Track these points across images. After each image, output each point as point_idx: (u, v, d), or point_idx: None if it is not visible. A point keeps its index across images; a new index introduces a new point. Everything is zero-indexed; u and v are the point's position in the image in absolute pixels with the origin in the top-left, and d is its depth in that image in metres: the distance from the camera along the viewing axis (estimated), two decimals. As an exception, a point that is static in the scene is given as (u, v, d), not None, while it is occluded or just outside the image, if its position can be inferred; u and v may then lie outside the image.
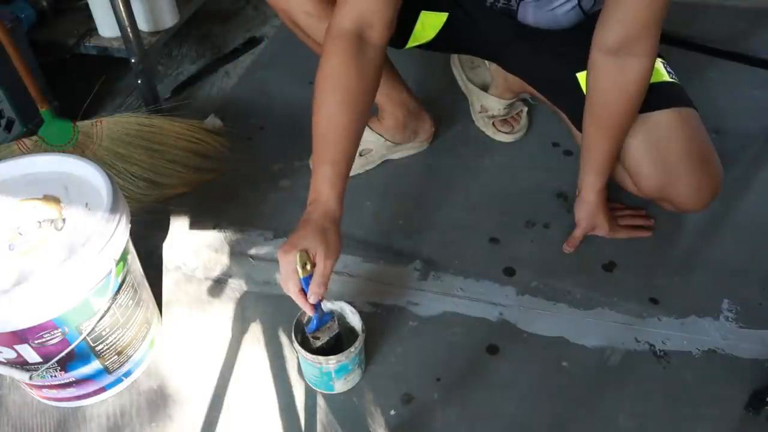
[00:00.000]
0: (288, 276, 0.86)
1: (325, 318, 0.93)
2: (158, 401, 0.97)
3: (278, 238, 1.21)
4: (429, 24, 1.14)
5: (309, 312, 0.89)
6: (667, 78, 1.07)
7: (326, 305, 0.97)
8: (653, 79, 1.01)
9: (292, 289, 0.87)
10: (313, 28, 1.10)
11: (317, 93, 0.91)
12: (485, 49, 1.24)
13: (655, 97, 1.02)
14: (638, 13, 0.90)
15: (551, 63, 1.14)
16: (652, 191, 1.09)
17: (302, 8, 1.07)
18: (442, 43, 1.18)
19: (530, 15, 1.08)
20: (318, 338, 0.92)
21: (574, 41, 1.07)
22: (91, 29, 1.49)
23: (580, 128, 1.15)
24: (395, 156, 1.38)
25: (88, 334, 0.85)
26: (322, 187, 0.89)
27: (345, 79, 0.90)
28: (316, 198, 0.89)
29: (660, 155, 1.05)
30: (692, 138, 1.04)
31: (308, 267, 0.85)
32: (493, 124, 1.42)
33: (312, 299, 0.87)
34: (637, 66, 0.96)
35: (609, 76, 0.98)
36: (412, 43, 1.17)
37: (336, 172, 0.89)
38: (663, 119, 1.04)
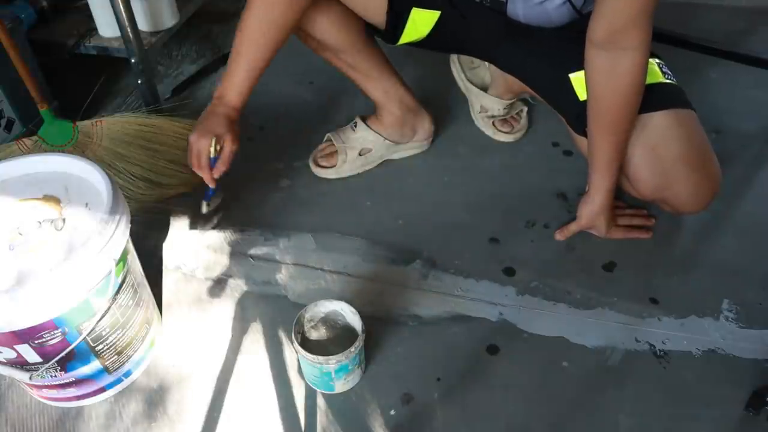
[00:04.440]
0: (200, 155, 1.07)
1: (215, 190, 1.14)
2: (158, 401, 0.97)
3: (278, 238, 1.21)
4: (421, 21, 1.13)
5: (212, 184, 1.11)
6: (662, 79, 1.06)
7: (326, 305, 0.98)
8: (649, 80, 1.00)
9: (203, 165, 1.08)
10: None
11: (244, 12, 1.04)
12: (479, 48, 1.24)
13: (650, 99, 1.01)
14: (625, 4, 0.90)
15: (544, 63, 1.14)
16: (649, 194, 1.08)
17: None
18: (436, 41, 1.18)
19: (520, 10, 1.07)
20: (209, 205, 1.17)
21: (568, 41, 1.06)
22: (91, 29, 1.49)
23: (575, 129, 1.15)
24: (395, 156, 1.38)
25: (88, 334, 0.85)
26: (233, 86, 1.08)
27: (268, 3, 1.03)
28: (223, 94, 1.09)
29: (656, 158, 1.04)
30: (689, 140, 1.03)
31: (217, 149, 1.07)
32: (493, 123, 1.42)
33: (216, 174, 1.09)
34: (627, 60, 0.95)
35: (601, 71, 0.98)
36: (404, 39, 1.16)
37: (245, 76, 1.07)
38: (659, 121, 1.03)
